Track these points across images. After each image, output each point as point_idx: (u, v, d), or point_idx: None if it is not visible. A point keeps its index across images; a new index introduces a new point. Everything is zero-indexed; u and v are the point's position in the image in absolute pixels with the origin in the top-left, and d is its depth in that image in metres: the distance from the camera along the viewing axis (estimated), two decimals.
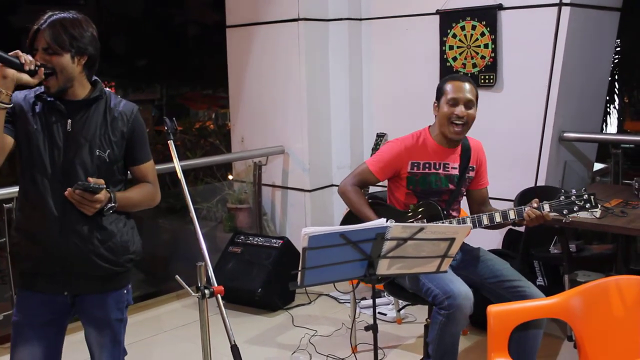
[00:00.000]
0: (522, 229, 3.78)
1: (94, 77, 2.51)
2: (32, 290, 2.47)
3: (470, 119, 3.22)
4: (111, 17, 19.77)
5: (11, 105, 2.30)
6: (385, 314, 4.41)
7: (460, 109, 3.20)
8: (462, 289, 2.98)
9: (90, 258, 2.42)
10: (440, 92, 3.29)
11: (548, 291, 3.82)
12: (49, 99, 2.41)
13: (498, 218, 3.11)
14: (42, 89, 2.42)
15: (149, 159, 2.60)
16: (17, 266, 2.52)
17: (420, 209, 3.30)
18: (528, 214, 3.00)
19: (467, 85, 3.24)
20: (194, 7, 18.43)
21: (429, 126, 3.39)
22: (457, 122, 3.21)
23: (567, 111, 4.47)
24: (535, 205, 3.01)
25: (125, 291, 2.58)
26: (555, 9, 4.23)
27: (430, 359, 3.14)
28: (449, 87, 3.26)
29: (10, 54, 2.26)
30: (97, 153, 2.42)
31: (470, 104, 3.22)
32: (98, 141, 2.43)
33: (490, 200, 3.49)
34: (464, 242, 3.39)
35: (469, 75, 4.54)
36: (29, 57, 2.29)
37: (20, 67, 2.26)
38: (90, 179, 2.33)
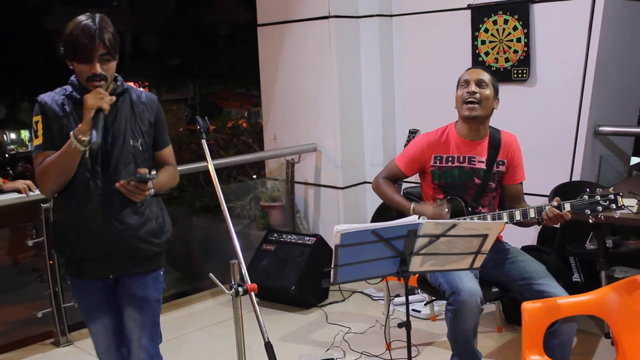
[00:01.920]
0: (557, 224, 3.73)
1: None
2: (81, 278, 2.61)
3: (483, 97, 3.24)
4: (144, 17, 19.97)
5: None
6: (419, 311, 4.40)
7: (471, 87, 3.25)
8: (467, 285, 2.96)
9: (133, 243, 2.56)
10: (457, 86, 3.37)
11: (584, 287, 3.78)
12: (78, 96, 2.48)
13: (518, 216, 3.07)
14: (68, 88, 2.52)
15: (169, 143, 2.74)
16: (63, 256, 2.63)
17: (445, 204, 3.30)
18: (546, 213, 2.95)
19: (479, 70, 3.34)
20: (225, 6, 18.54)
21: (456, 121, 3.40)
22: (469, 99, 3.24)
23: (602, 104, 4.41)
24: (555, 204, 2.96)
25: (161, 272, 2.71)
26: (589, 0, 4.17)
27: (454, 357, 3.15)
28: (462, 75, 3.36)
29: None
30: (131, 143, 2.54)
31: (482, 83, 3.26)
32: (130, 132, 2.55)
33: (525, 196, 3.44)
34: (498, 241, 3.38)
35: (502, 69, 4.51)
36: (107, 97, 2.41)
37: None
38: (140, 170, 2.44)
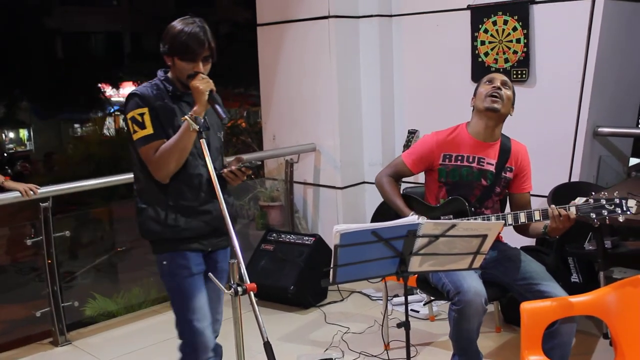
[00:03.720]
0: None
1: None
2: (187, 250, 2.75)
3: (506, 96, 3.26)
4: (143, 17, 19.95)
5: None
6: (417, 311, 4.40)
7: (497, 84, 3.28)
8: (472, 285, 2.96)
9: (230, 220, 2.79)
10: (477, 86, 3.38)
11: (583, 288, 3.78)
12: (177, 93, 2.73)
13: (522, 218, 3.06)
14: (165, 84, 2.72)
15: None
16: (174, 236, 2.73)
17: (448, 204, 3.30)
18: (553, 210, 2.94)
19: (503, 75, 3.38)
20: (225, 6, 18.54)
21: (467, 122, 3.40)
22: (494, 93, 3.25)
23: (601, 105, 4.41)
24: (573, 209, 2.94)
25: None
26: (589, 1, 4.16)
27: (455, 356, 3.15)
28: (486, 77, 3.38)
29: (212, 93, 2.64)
30: (218, 135, 2.84)
31: (506, 84, 3.30)
32: (216, 125, 2.82)
33: None
34: (499, 241, 3.38)
35: (501, 70, 4.51)
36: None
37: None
38: (242, 157, 2.84)
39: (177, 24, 2.68)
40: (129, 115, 2.66)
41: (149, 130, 2.63)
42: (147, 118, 2.63)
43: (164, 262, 2.76)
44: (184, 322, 2.77)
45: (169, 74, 2.76)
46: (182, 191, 2.72)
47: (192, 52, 2.63)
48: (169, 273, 2.76)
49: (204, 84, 2.62)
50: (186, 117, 2.59)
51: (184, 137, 2.60)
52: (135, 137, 2.65)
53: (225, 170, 2.75)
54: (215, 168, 2.72)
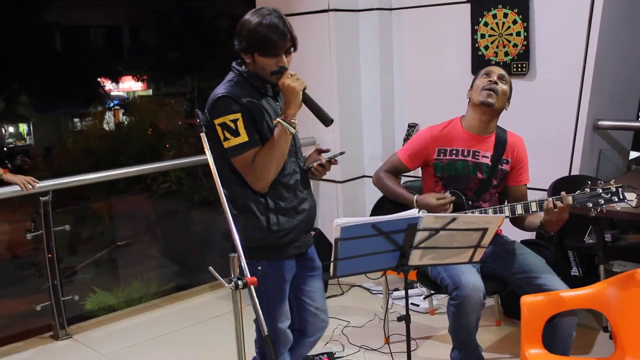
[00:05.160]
0: None
1: None
2: (284, 258, 2.66)
3: (501, 91, 3.26)
4: (142, 11, 19.91)
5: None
6: (417, 305, 4.40)
7: (494, 78, 3.27)
8: (470, 280, 2.96)
9: (314, 217, 2.78)
10: (475, 78, 3.37)
11: (583, 281, 3.79)
12: (266, 86, 2.63)
13: (519, 210, 3.06)
14: (249, 82, 2.58)
15: None
16: (275, 242, 2.63)
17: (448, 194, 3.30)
18: (548, 202, 2.92)
19: (501, 68, 3.37)
20: (224, 0, 18.51)
21: (462, 116, 3.40)
22: (489, 87, 3.24)
23: (601, 99, 4.40)
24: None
25: None
26: None
27: (454, 350, 3.15)
28: (483, 70, 3.37)
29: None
30: (296, 131, 2.69)
31: (503, 78, 3.29)
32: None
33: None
34: (498, 235, 3.38)
35: (501, 63, 4.50)
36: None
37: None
38: (324, 149, 2.75)
39: (253, 17, 2.51)
40: (218, 121, 2.49)
41: (244, 137, 2.47)
42: (240, 124, 2.47)
43: (259, 267, 2.64)
44: (267, 323, 2.64)
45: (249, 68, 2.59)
46: (280, 192, 2.60)
47: (274, 46, 2.49)
48: (262, 278, 2.58)
49: (296, 82, 2.51)
50: (280, 120, 2.49)
51: (281, 142, 2.50)
52: (227, 145, 2.49)
53: (315, 164, 2.68)
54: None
